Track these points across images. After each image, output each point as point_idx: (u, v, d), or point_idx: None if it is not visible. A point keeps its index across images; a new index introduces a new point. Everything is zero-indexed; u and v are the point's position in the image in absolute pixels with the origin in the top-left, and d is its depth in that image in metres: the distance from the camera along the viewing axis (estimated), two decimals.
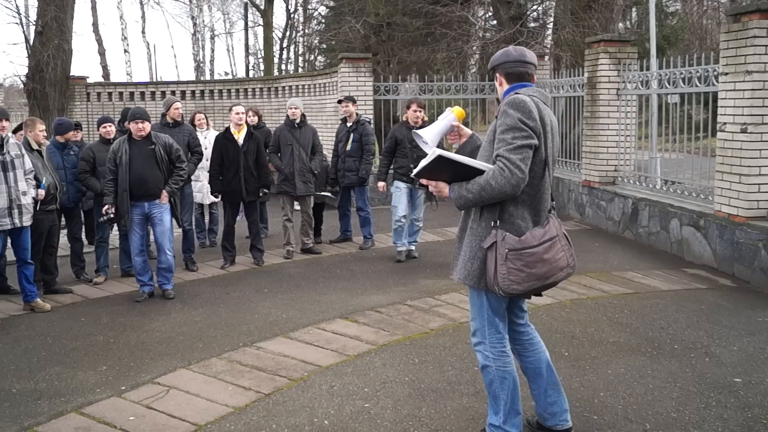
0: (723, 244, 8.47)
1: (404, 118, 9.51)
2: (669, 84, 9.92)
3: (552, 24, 20.12)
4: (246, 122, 9.61)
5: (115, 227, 8.46)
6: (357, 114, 10.56)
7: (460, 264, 3.96)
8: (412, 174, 4.01)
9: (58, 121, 8.83)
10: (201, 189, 10.32)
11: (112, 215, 7.82)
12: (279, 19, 49.03)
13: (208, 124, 10.94)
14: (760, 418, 4.63)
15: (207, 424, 4.72)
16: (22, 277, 7.48)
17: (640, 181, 11.17)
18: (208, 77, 47.42)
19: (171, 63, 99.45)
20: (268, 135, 10.57)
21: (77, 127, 9.46)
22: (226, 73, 52.54)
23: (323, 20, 31.63)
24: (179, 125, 9.41)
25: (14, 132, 8.43)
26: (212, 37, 52.08)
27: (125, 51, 43.31)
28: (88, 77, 19.67)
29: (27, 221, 7.29)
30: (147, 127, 7.83)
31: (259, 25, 37.76)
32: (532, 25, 20.67)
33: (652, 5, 13.60)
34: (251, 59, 46.56)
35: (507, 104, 3.74)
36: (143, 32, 64.84)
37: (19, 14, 22.17)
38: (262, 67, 39.73)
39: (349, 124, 10.42)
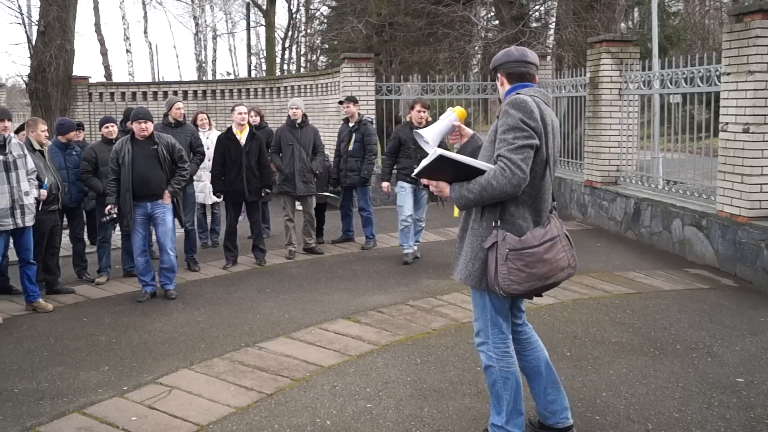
0: (725, 244, 8.46)
1: (408, 118, 9.47)
2: (671, 84, 9.91)
3: (554, 24, 20.13)
4: (248, 122, 9.61)
5: (118, 227, 8.47)
6: (359, 114, 10.56)
7: (461, 264, 3.96)
8: (413, 174, 4.01)
9: (60, 122, 8.84)
10: (203, 189, 10.32)
11: (115, 215, 7.82)
12: (281, 19, 49.12)
13: (210, 124, 10.95)
14: (762, 418, 4.63)
15: (209, 425, 4.72)
16: (24, 278, 7.49)
17: (642, 181, 11.16)
18: (210, 77, 47.48)
19: (173, 63, 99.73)
20: (270, 135, 10.56)
21: (79, 127, 9.47)
22: (228, 73, 52.60)
23: (325, 20, 31.68)
24: (181, 125, 9.41)
25: (16, 132, 8.43)
26: (214, 37, 52.21)
27: (127, 51, 43.40)
28: (90, 77, 19.70)
29: (29, 221, 7.29)
30: (150, 127, 7.84)
31: (262, 25, 37.83)
32: (535, 25, 20.69)
33: (655, 5, 13.61)
34: (253, 59, 46.66)
35: (508, 104, 3.74)
36: (145, 32, 64.62)
37: (22, 14, 22.21)
38: (264, 67, 39.78)
39: (351, 124, 10.42)
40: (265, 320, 6.97)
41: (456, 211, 4.28)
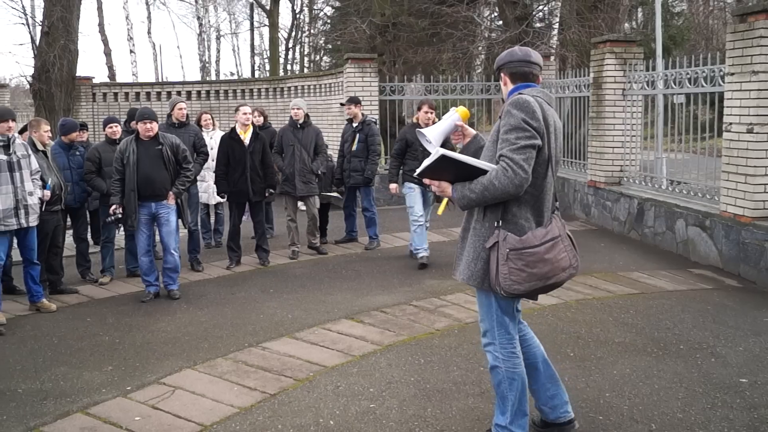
0: (729, 245, 8.45)
1: (415, 119, 9.41)
2: (675, 84, 9.90)
3: (558, 24, 20.13)
4: (252, 122, 9.61)
5: (122, 227, 8.48)
6: (362, 114, 10.56)
7: (464, 264, 3.95)
8: (415, 174, 4.01)
9: (62, 122, 8.85)
10: (207, 189, 10.33)
11: (120, 215, 7.83)
12: (285, 19, 48.93)
13: (214, 125, 10.95)
14: (766, 418, 4.62)
15: (213, 425, 4.73)
16: (28, 278, 7.50)
17: (645, 181, 11.15)
18: (213, 77, 47.47)
19: (177, 63, 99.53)
20: (274, 135, 10.57)
21: (83, 127, 9.47)
22: (232, 74, 52.58)
23: (329, 20, 31.70)
24: (185, 126, 9.42)
25: (20, 133, 8.45)
26: (218, 38, 52.22)
27: (131, 51, 43.49)
28: (93, 77, 19.70)
29: (33, 221, 7.29)
30: (155, 127, 7.84)
31: (265, 25, 37.84)
32: (538, 25, 20.69)
33: (658, 5, 13.59)
34: (257, 59, 46.70)
35: (510, 104, 3.75)
36: (149, 32, 64.53)
37: (26, 15, 22.17)
38: (267, 67, 39.77)
39: (355, 125, 10.42)
40: (268, 320, 6.98)
41: (440, 209, 4.29)
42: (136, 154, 7.75)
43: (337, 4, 27.91)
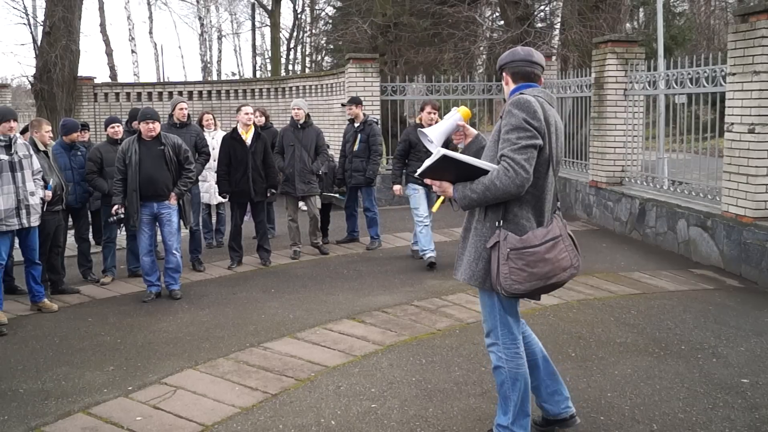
0: (730, 245, 8.45)
1: (418, 120, 9.39)
2: (676, 84, 9.90)
3: (559, 24, 20.11)
4: (253, 123, 9.61)
5: (123, 227, 8.48)
6: (364, 114, 10.57)
7: (465, 264, 3.95)
8: (416, 174, 4.01)
9: (63, 122, 8.86)
10: (208, 189, 10.33)
11: (122, 215, 7.83)
12: (286, 19, 49.06)
13: (215, 125, 10.96)
14: (767, 418, 4.62)
15: (214, 425, 4.73)
16: (29, 278, 7.50)
17: (647, 181, 11.14)
18: (215, 78, 47.48)
19: (178, 63, 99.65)
20: (276, 135, 10.58)
21: (84, 127, 9.48)
22: (234, 74, 52.60)
23: (330, 20, 31.66)
24: (186, 126, 9.41)
25: (21, 133, 8.45)
26: (219, 38, 52.17)
27: (132, 51, 43.48)
28: (95, 78, 19.73)
29: (35, 221, 7.30)
30: (157, 127, 7.85)
31: (267, 25, 37.89)
32: (540, 25, 20.68)
33: (660, 5, 13.58)
34: (258, 59, 46.71)
35: (511, 104, 3.75)
36: (150, 33, 65.06)
37: (27, 15, 22.21)
38: (269, 67, 39.83)
39: (356, 125, 10.42)
40: (269, 320, 6.98)
41: (435, 206, 4.30)
42: (138, 154, 7.76)
43: (339, 4, 27.88)
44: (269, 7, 32.64)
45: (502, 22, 20.62)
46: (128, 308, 7.62)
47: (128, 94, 19.32)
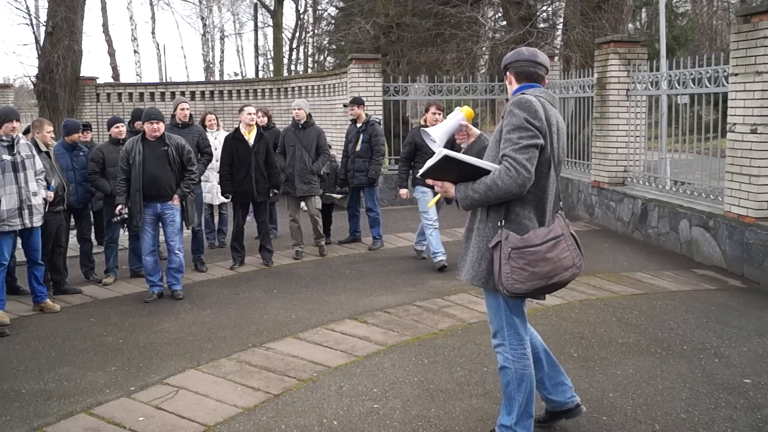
0: (732, 245, 8.44)
1: (422, 121, 9.33)
2: (679, 85, 9.89)
3: (562, 25, 20.07)
4: (256, 123, 9.62)
5: (126, 227, 8.48)
6: (366, 115, 10.56)
7: (468, 265, 3.96)
8: (418, 174, 4.01)
9: (65, 122, 8.86)
10: (210, 189, 10.34)
11: (125, 215, 7.84)
12: (288, 19, 49.03)
13: (218, 125, 10.96)
14: None
15: (216, 425, 4.73)
16: (31, 278, 7.51)
17: (649, 181, 11.14)
18: (217, 78, 47.53)
19: (181, 64, 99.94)
20: (278, 135, 10.59)
21: (86, 127, 9.48)
22: (236, 74, 52.68)
23: (333, 21, 31.67)
24: (189, 126, 9.42)
25: (23, 133, 8.46)
26: (222, 38, 52.26)
27: (135, 52, 43.46)
28: (97, 78, 19.74)
29: (38, 222, 7.30)
30: (161, 127, 7.85)
31: (269, 25, 37.88)
32: (542, 25, 20.63)
33: (662, 6, 13.55)
34: (261, 60, 46.72)
35: (513, 104, 3.75)
36: (153, 33, 65.26)
37: (30, 15, 22.28)
38: (271, 67, 39.84)
39: (359, 125, 10.42)
40: (272, 321, 6.98)
41: (431, 202, 4.30)
42: (142, 154, 7.76)
43: (341, 4, 27.89)
44: (272, 8, 32.64)
45: (504, 23, 20.60)
46: (130, 308, 7.62)
47: (130, 94, 19.33)
